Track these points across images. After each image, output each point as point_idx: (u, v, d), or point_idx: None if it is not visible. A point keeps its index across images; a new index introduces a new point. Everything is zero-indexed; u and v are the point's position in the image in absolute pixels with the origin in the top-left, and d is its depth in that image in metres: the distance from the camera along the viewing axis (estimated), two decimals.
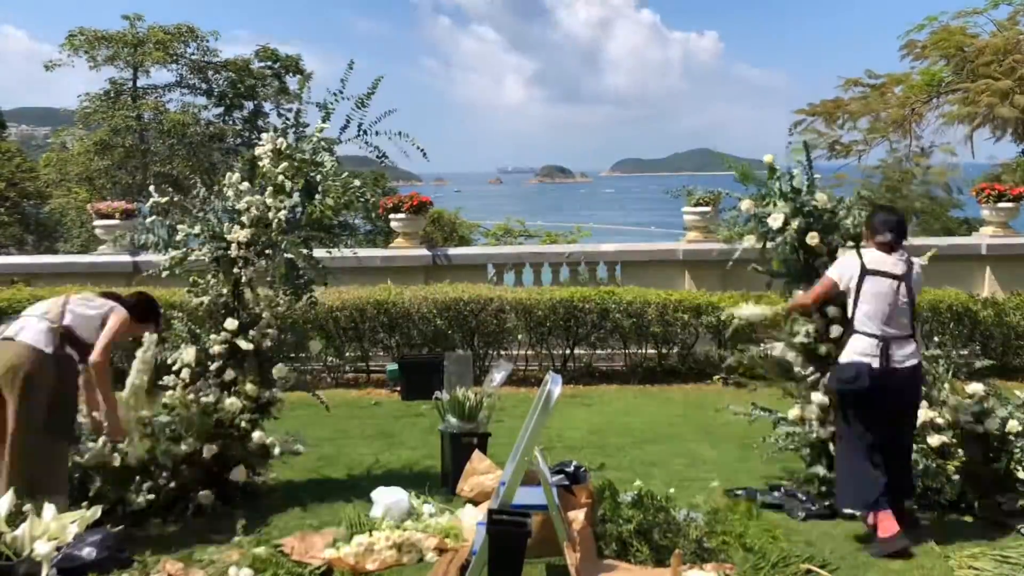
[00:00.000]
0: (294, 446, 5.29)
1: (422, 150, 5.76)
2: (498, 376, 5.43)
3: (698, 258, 10.45)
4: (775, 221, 5.01)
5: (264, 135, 5.30)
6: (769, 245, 5.13)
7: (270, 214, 5.08)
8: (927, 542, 4.42)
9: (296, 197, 5.18)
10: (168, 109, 29.38)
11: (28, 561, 3.86)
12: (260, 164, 5.22)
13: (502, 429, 5.85)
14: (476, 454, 5.08)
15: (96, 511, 4.21)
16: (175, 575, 4.03)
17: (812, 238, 4.98)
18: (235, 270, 5.08)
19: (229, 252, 5.07)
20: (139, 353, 5.04)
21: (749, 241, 5.20)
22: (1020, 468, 4.82)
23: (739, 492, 5.18)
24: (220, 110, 30.69)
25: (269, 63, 30.46)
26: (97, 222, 10.88)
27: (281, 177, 5.13)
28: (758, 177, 5.29)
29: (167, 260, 5.16)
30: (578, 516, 4.16)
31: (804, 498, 5.00)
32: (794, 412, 5.11)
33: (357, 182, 5.42)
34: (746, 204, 5.23)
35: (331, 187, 5.31)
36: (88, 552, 4.05)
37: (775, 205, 5.08)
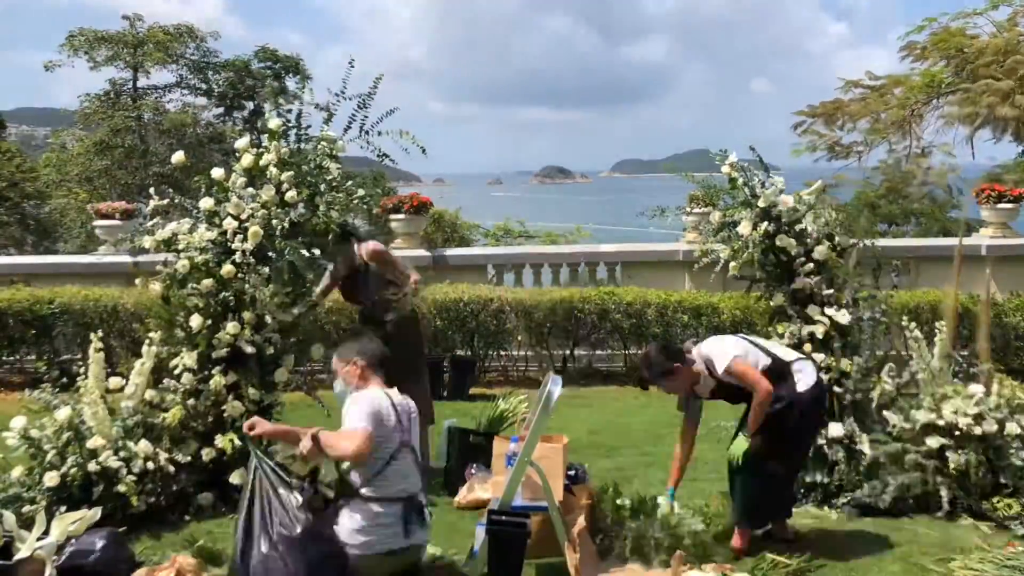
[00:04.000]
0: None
1: (422, 148, 5.76)
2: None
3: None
4: (744, 228, 5.11)
5: (272, 143, 5.22)
6: (744, 252, 5.20)
7: (274, 221, 5.08)
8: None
9: (301, 208, 5.16)
10: (168, 109, 29.39)
11: (30, 561, 3.87)
12: (264, 169, 5.18)
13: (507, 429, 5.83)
14: (483, 475, 5.11)
15: (96, 512, 4.22)
16: (186, 569, 4.02)
17: (781, 239, 5.08)
18: (239, 275, 5.06)
19: (234, 257, 5.06)
20: (137, 365, 5.05)
21: (726, 252, 5.27)
22: (1019, 471, 4.82)
23: None
24: (220, 110, 30.73)
25: (269, 63, 30.47)
26: (97, 222, 10.88)
27: (286, 185, 5.11)
28: (722, 188, 5.41)
29: (181, 266, 5.12)
30: (578, 517, 4.17)
31: None
32: (834, 428, 5.13)
33: (361, 191, 5.41)
34: (715, 216, 5.36)
35: (336, 199, 5.28)
36: (91, 552, 4.05)
37: (739, 214, 5.21)
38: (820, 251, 5.11)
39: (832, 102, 17.70)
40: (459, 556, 4.29)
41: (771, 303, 5.27)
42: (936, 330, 5.31)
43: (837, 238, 5.22)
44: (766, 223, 5.08)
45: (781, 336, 5.15)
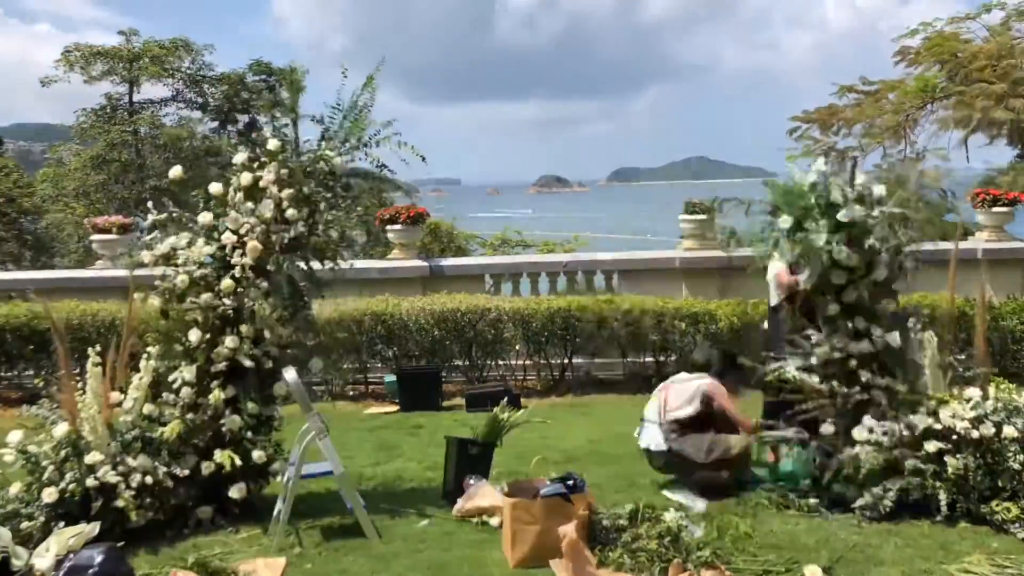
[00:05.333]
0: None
1: (421, 156, 5.77)
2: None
3: (695, 266, 10.45)
4: (818, 239, 4.99)
5: (270, 165, 5.21)
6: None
7: (273, 237, 5.08)
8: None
9: (300, 226, 5.17)
10: (164, 123, 29.45)
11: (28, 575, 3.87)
12: (264, 188, 5.18)
13: (505, 439, 5.80)
14: (481, 485, 5.11)
15: (94, 527, 4.23)
16: None
17: (840, 252, 4.99)
18: (239, 289, 5.07)
19: (233, 272, 5.07)
20: (135, 379, 5.05)
21: (784, 259, 5.22)
22: (1016, 474, 4.82)
23: None
24: (215, 124, 30.78)
25: (263, 76, 30.55)
26: (94, 237, 10.89)
27: (286, 203, 5.12)
28: (797, 195, 5.15)
29: (181, 281, 5.12)
30: (572, 526, 4.18)
31: None
32: (827, 428, 5.14)
33: (360, 208, 5.42)
34: (786, 221, 5.16)
35: (336, 217, 5.29)
36: (90, 567, 4.05)
37: (817, 222, 5.06)
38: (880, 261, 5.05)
39: (827, 107, 17.78)
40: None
41: (828, 311, 5.20)
42: (928, 339, 5.31)
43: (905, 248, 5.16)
44: (839, 234, 5.02)
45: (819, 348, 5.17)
